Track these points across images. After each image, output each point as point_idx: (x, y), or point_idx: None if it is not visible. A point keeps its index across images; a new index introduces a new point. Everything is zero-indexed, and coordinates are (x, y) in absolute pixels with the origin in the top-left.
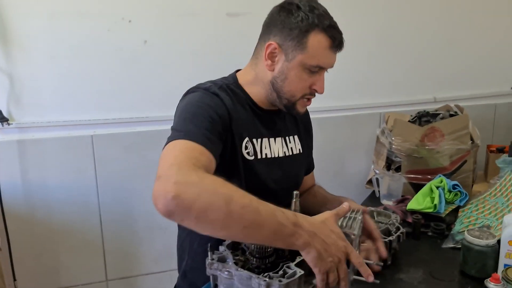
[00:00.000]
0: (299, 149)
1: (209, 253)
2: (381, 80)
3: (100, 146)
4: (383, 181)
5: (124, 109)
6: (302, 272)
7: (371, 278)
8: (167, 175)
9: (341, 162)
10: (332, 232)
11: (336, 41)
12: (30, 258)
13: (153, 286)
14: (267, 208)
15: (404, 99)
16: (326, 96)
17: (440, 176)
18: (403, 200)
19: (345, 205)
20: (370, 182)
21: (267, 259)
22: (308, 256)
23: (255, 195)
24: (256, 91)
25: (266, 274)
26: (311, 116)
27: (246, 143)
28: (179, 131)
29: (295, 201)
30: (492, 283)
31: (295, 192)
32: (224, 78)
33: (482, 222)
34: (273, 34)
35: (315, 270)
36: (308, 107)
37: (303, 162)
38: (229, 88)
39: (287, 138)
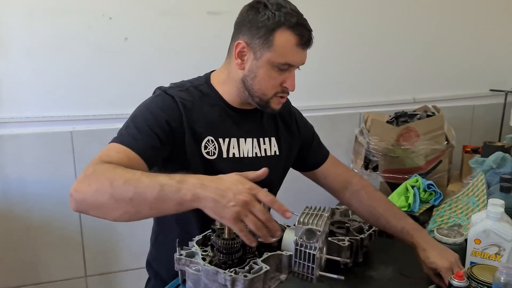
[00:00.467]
0: (275, 151)
1: (177, 248)
2: (361, 80)
3: (80, 142)
4: None
5: (103, 106)
6: (268, 268)
7: (288, 214)
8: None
9: None
10: (228, 180)
11: (303, 38)
12: (8, 254)
13: (132, 282)
14: (150, 175)
15: (384, 100)
16: (306, 96)
17: (415, 176)
18: None
19: (262, 170)
20: None
21: (234, 254)
22: (206, 209)
23: None
24: (229, 90)
25: (232, 269)
26: None
27: (206, 142)
28: (117, 136)
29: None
30: (456, 280)
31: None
32: (197, 77)
33: (454, 221)
34: (242, 33)
35: (223, 221)
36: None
37: (279, 165)
38: (198, 88)
39: (261, 139)
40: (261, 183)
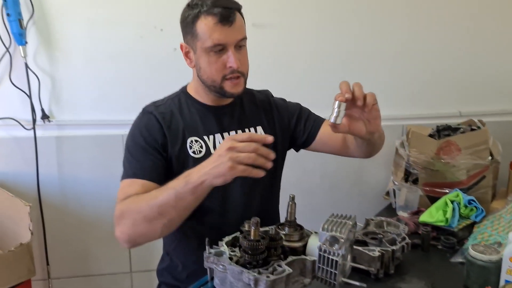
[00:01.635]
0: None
1: (207, 247)
2: (404, 91)
3: None
4: (400, 192)
5: None
6: (291, 271)
7: (269, 138)
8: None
9: (360, 172)
10: (216, 151)
11: (220, 15)
12: (62, 246)
13: None
14: (162, 188)
15: (428, 112)
16: None
17: (456, 190)
18: (418, 212)
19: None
20: (388, 193)
21: (259, 255)
22: (214, 181)
23: (216, 190)
24: (199, 91)
25: (256, 270)
26: None
27: (190, 143)
28: (123, 172)
29: (291, 204)
30: None
31: (290, 195)
32: (177, 91)
33: (494, 239)
34: (183, 36)
35: (228, 177)
36: (324, 116)
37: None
38: (174, 99)
39: (246, 129)
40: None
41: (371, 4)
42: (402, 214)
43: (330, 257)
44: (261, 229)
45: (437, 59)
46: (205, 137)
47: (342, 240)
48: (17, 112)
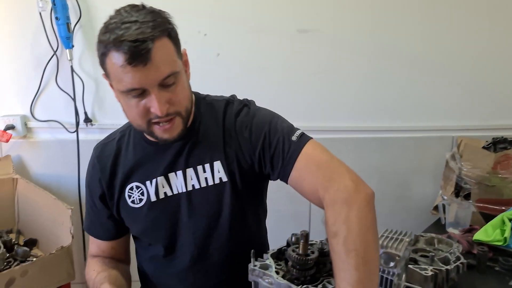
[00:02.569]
0: (220, 178)
1: (252, 259)
2: (454, 101)
3: None
4: (450, 208)
5: None
6: None
7: None
8: None
9: (405, 186)
10: None
11: (128, 53)
12: None
13: None
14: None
15: (481, 124)
16: (390, 116)
17: None
18: (470, 230)
19: None
20: (436, 208)
21: (307, 271)
22: None
23: (168, 237)
24: None
25: (305, 286)
26: (371, 135)
27: (129, 191)
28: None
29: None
30: None
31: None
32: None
33: None
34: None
35: None
36: (366, 127)
37: (227, 192)
38: (123, 137)
39: (199, 167)
40: (211, 212)
41: (422, 8)
42: (452, 231)
43: (385, 276)
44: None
45: (491, 66)
46: (147, 183)
47: (398, 258)
48: (61, 115)
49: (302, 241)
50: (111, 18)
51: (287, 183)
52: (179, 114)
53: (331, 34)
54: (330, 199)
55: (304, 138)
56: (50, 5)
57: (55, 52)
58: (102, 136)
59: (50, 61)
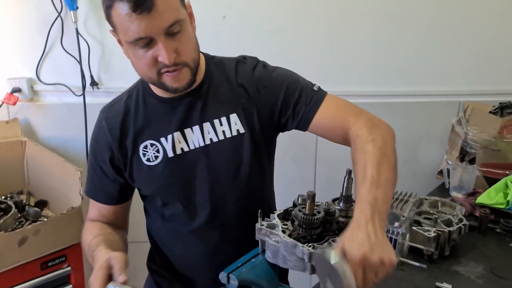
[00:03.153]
0: (238, 130)
1: (259, 219)
2: (462, 66)
3: None
4: (455, 172)
5: None
6: None
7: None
8: None
9: (412, 151)
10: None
11: (131, 1)
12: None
13: None
14: (94, 254)
15: (489, 89)
16: (396, 81)
17: None
18: (474, 193)
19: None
20: (441, 172)
21: (313, 230)
22: None
23: (184, 193)
24: None
25: (310, 244)
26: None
27: (144, 148)
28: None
29: (347, 179)
30: None
31: (347, 170)
32: (137, 81)
33: None
34: None
35: None
36: (374, 91)
37: (246, 143)
38: (130, 96)
39: (215, 121)
40: (232, 164)
41: None
42: (456, 194)
43: (389, 235)
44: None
45: (500, 31)
46: (162, 139)
47: (403, 218)
48: (68, 78)
49: (308, 201)
50: None
51: (306, 129)
52: (187, 65)
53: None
54: (363, 122)
55: (323, 90)
56: None
57: (59, 13)
58: (108, 99)
59: (55, 23)
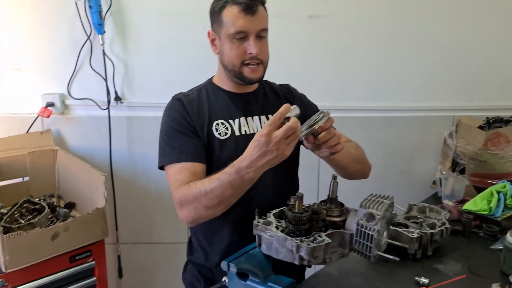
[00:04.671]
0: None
1: (256, 216)
2: (457, 82)
3: None
4: (447, 182)
5: None
6: (329, 241)
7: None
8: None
9: (408, 161)
10: (253, 146)
11: (243, 5)
12: (130, 215)
13: None
14: (214, 180)
15: (481, 104)
16: (396, 96)
17: (504, 182)
18: (463, 201)
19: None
20: (435, 182)
21: (302, 226)
22: (277, 162)
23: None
24: (223, 79)
25: (298, 238)
26: (378, 114)
27: (216, 125)
28: (162, 157)
29: (333, 183)
30: None
31: (333, 175)
32: (204, 82)
33: None
34: (210, 25)
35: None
36: (374, 106)
37: None
38: (201, 89)
39: (269, 115)
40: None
41: None
42: (447, 202)
43: (367, 231)
44: (305, 204)
45: (493, 49)
46: (230, 121)
47: (378, 217)
48: (94, 93)
49: (297, 201)
50: None
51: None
52: (262, 63)
53: (340, 20)
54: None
55: None
56: None
57: (88, 37)
58: (131, 113)
59: (84, 45)
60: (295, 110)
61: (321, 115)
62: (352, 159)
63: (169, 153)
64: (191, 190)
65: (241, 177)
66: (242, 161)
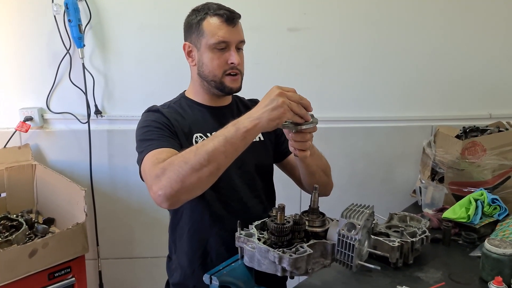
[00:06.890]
0: (259, 137)
1: (238, 228)
2: (435, 93)
3: None
4: (427, 191)
5: None
6: (311, 251)
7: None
8: (148, 186)
9: (389, 170)
10: (262, 100)
11: (226, 16)
12: (111, 229)
13: None
14: (207, 139)
15: (459, 114)
16: (376, 107)
17: (481, 190)
18: (442, 209)
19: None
20: (415, 191)
21: (284, 237)
22: (267, 123)
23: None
24: (197, 92)
25: (281, 249)
26: (358, 124)
27: (196, 139)
28: (141, 152)
29: (314, 193)
30: (495, 285)
31: (314, 186)
32: (176, 97)
33: None
34: (185, 38)
35: (280, 118)
36: (355, 117)
37: (264, 149)
38: (174, 104)
39: None
40: (252, 166)
41: (401, 5)
42: (427, 211)
43: (348, 241)
44: (287, 214)
45: (469, 61)
46: (208, 134)
47: (359, 226)
48: (74, 107)
49: (279, 212)
50: (197, 7)
51: (281, 160)
52: (241, 74)
53: (319, 32)
54: None
55: None
56: (63, 8)
57: (68, 50)
58: (111, 126)
59: (64, 59)
60: (314, 119)
61: (311, 120)
62: (321, 168)
63: (148, 146)
64: (179, 156)
65: (236, 128)
66: (240, 117)
